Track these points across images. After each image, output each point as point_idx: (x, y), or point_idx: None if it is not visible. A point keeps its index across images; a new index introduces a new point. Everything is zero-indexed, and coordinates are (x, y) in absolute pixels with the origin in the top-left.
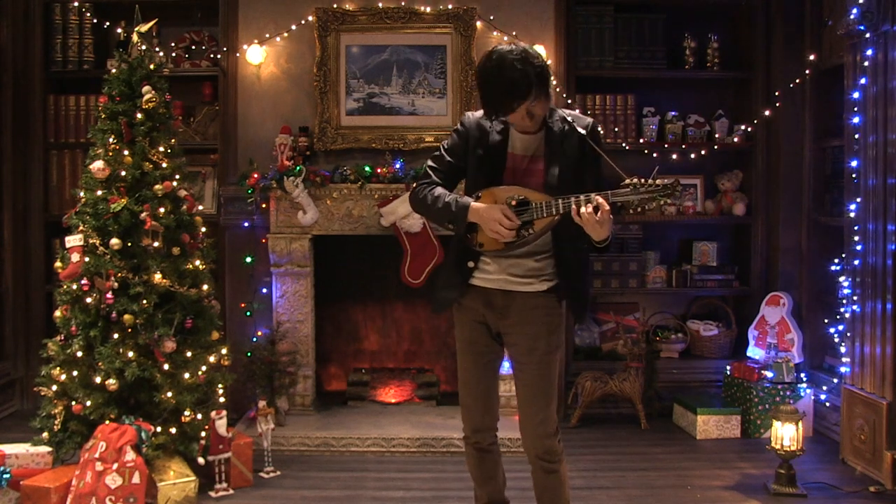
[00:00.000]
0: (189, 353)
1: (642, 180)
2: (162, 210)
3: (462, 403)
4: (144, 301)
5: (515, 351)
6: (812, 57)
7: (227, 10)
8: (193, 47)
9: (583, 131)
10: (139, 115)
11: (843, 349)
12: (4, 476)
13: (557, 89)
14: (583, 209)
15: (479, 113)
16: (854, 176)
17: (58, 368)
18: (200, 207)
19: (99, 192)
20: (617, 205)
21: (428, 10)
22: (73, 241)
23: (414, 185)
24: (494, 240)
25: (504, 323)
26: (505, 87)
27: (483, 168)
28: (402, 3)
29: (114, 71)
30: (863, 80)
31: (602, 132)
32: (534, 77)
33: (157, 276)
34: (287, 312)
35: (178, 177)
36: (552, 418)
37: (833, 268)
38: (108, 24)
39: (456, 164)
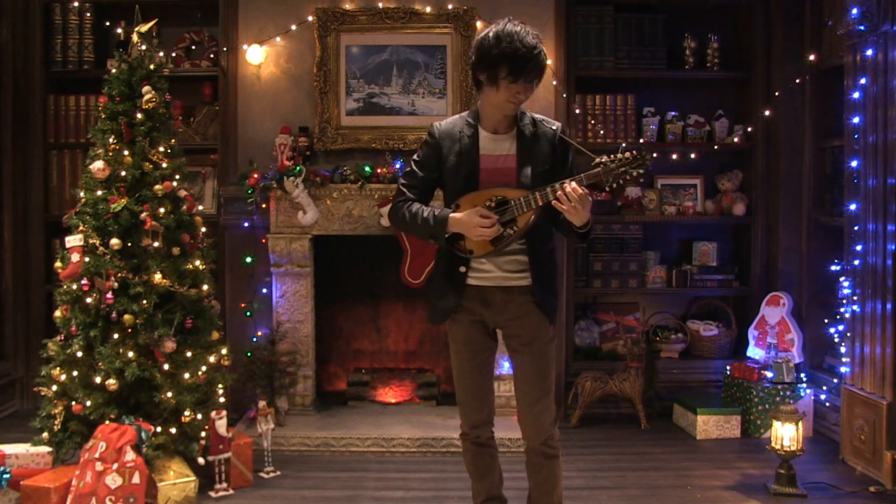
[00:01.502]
0: (189, 353)
1: (611, 157)
2: (162, 210)
3: (459, 400)
4: (144, 301)
5: (515, 343)
6: (812, 57)
7: (227, 10)
8: (193, 47)
9: (552, 130)
10: (139, 115)
11: (843, 349)
12: (4, 476)
13: (557, 89)
14: (567, 189)
15: (447, 122)
16: (854, 176)
17: (58, 368)
18: (200, 207)
19: (99, 192)
20: (597, 184)
21: (428, 10)
22: (73, 241)
23: (390, 204)
24: (482, 244)
25: (502, 318)
26: (527, 53)
27: (459, 173)
28: (403, 3)
29: (114, 71)
30: (863, 80)
31: (602, 131)
32: (545, 57)
33: (157, 276)
34: (287, 312)
35: (178, 177)
36: (552, 407)
37: (833, 268)
38: (108, 24)
39: (428, 177)
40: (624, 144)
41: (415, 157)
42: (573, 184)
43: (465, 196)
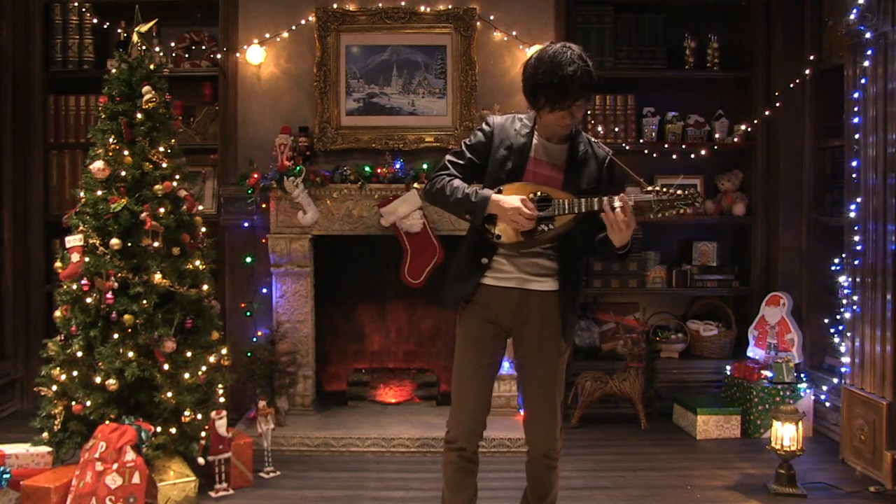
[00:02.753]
0: (189, 353)
1: (664, 189)
2: (162, 210)
3: (458, 405)
4: (144, 301)
5: (527, 349)
6: (812, 57)
7: (227, 10)
8: (193, 47)
9: (603, 153)
10: (139, 115)
11: (843, 349)
12: (4, 476)
13: None
14: (616, 204)
15: (503, 116)
16: (854, 176)
17: (58, 368)
18: (200, 207)
19: (99, 192)
20: (644, 209)
21: (428, 10)
22: (73, 241)
23: (427, 176)
24: (513, 232)
25: (518, 321)
26: (560, 83)
27: (504, 168)
28: (402, 3)
29: (114, 71)
30: (863, 80)
31: (602, 131)
32: (591, 76)
33: (157, 276)
34: (287, 312)
35: (178, 177)
36: (559, 420)
37: (833, 268)
38: (108, 24)
39: (476, 162)
40: (680, 181)
41: (466, 140)
42: (625, 201)
43: (509, 184)
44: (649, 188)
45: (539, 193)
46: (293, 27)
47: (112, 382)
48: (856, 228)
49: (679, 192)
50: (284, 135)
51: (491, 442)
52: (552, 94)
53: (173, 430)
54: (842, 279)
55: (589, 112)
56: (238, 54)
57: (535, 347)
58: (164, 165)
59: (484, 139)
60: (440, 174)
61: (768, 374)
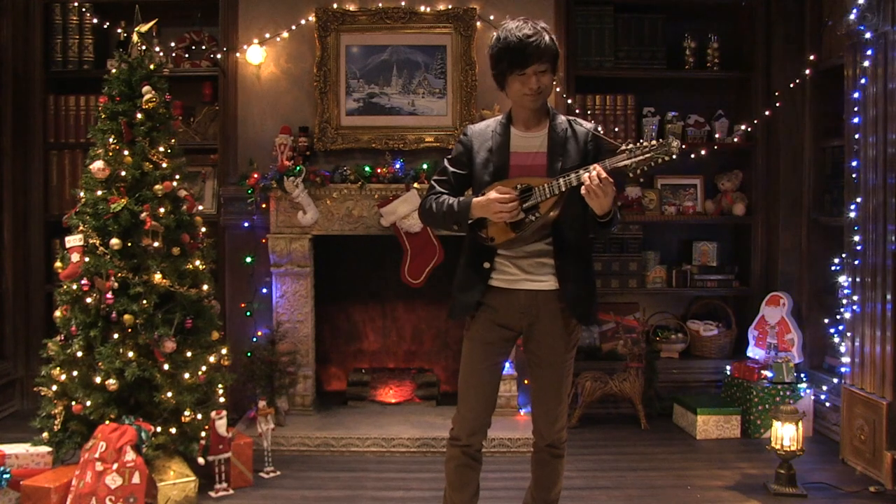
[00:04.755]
0: (189, 353)
1: (637, 143)
2: (162, 210)
3: (462, 403)
4: (144, 301)
5: (536, 347)
6: (812, 57)
7: (227, 10)
8: (193, 47)
9: (585, 130)
10: (139, 115)
11: (843, 349)
12: (4, 476)
13: (557, 89)
14: (584, 176)
15: (482, 122)
16: (854, 176)
17: (58, 368)
18: (200, 207)
19: (99, 192)
20: (622, 170)
21: (428, 10)
22: (73, 241)
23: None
24: (504, 230)
25: (526, 322)
26: (520, 42)
27: (487, 169)
28: (402, 3)
29: (114, 71)
30: (863, 81)
31: (602, 132)
32: (550, 42)
33: (157, 276)
34: (287, 312)
35: (178, 177)
36: (565, 413)
37: (833, 268)
38: (108, 24)
39: (461, 174)
40: (649, 130)
41: (447, 156)
42: (597, 167)
43: (491, 186)
44: (622, 147)
45: (520, 185)
46: (293, 27)
47: (112, 382)
48: (856, 228)
49: (653, 142)
50: (284, 135)
51: (491, 442)
52: (512, 57)
53: (173, 430)
54: (842, 279)
55: (589, 112)
56: (238, 54)
57: (545, 346)
58: (164, 165)
59: (463, 149)
60: (428, 196)
61: (768, 374)
